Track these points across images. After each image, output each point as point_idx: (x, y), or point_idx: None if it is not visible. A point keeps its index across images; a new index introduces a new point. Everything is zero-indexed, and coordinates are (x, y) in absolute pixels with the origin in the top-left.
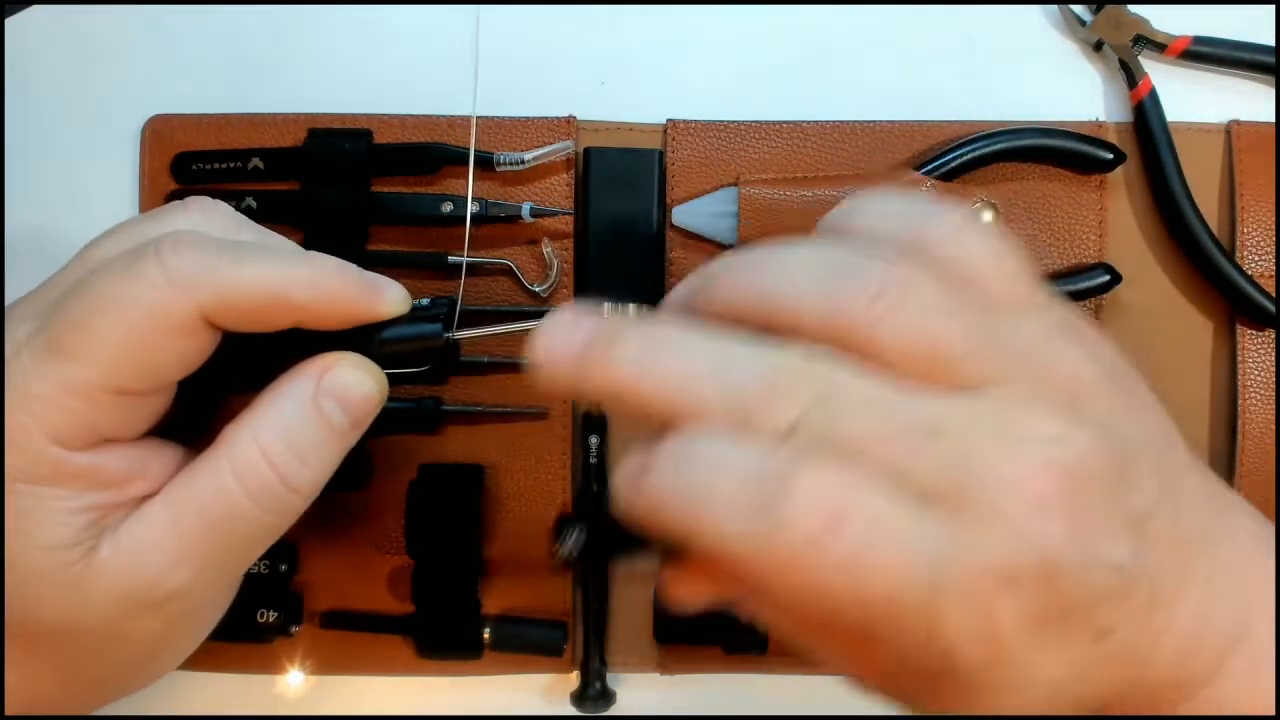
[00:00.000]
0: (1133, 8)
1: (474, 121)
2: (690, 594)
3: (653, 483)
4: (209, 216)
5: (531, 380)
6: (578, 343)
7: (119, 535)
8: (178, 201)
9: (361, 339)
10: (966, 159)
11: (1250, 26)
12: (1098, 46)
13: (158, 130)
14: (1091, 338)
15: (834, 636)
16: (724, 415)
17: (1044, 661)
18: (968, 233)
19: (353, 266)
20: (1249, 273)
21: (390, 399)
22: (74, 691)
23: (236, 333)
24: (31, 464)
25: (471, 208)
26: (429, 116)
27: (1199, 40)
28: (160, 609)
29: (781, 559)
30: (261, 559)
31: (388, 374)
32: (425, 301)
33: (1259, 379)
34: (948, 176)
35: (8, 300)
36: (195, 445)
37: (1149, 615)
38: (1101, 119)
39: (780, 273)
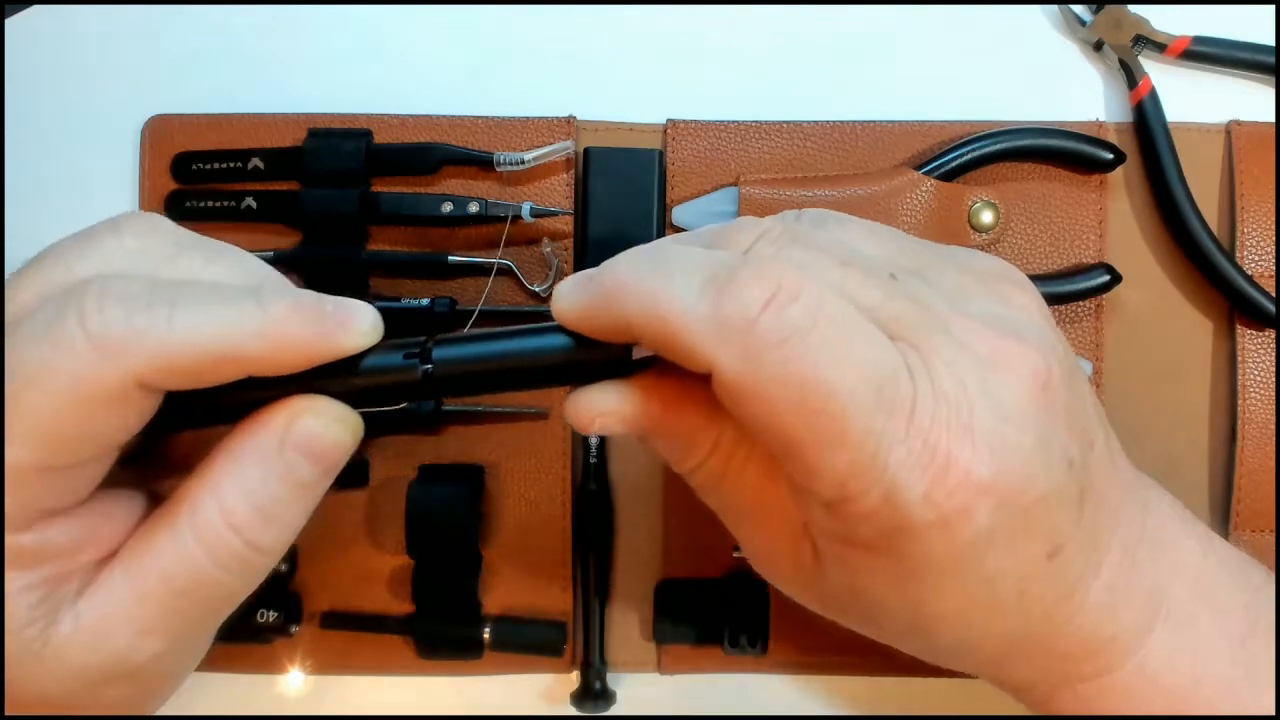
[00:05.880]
0: (1133, 8)
1: (479, 121)
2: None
3: (613, 268)
4: (144, 240)
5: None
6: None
7: (79, 610)
8: (109, 221)
9: (331, 373)
10: (966, 159)
11: (1250, 26)
12: (1098, 46)
13: (158, 130)
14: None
15: (778, 450)
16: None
17: (993, 551)
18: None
19: (311, 299)
20: (1249, 273)
21: None
22: None
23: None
24: None
25: (471, 208)
26: (429, 116)
27: (1199, 40)
28: (133, 677)
29: (727, 333)
30: None
31: (363, 412)
32: (425, 302)
33: (1259, 379)
34: (948, 176)
35: None
36: (149, 494)
37: (1090, 551)
38: (1101, 119)
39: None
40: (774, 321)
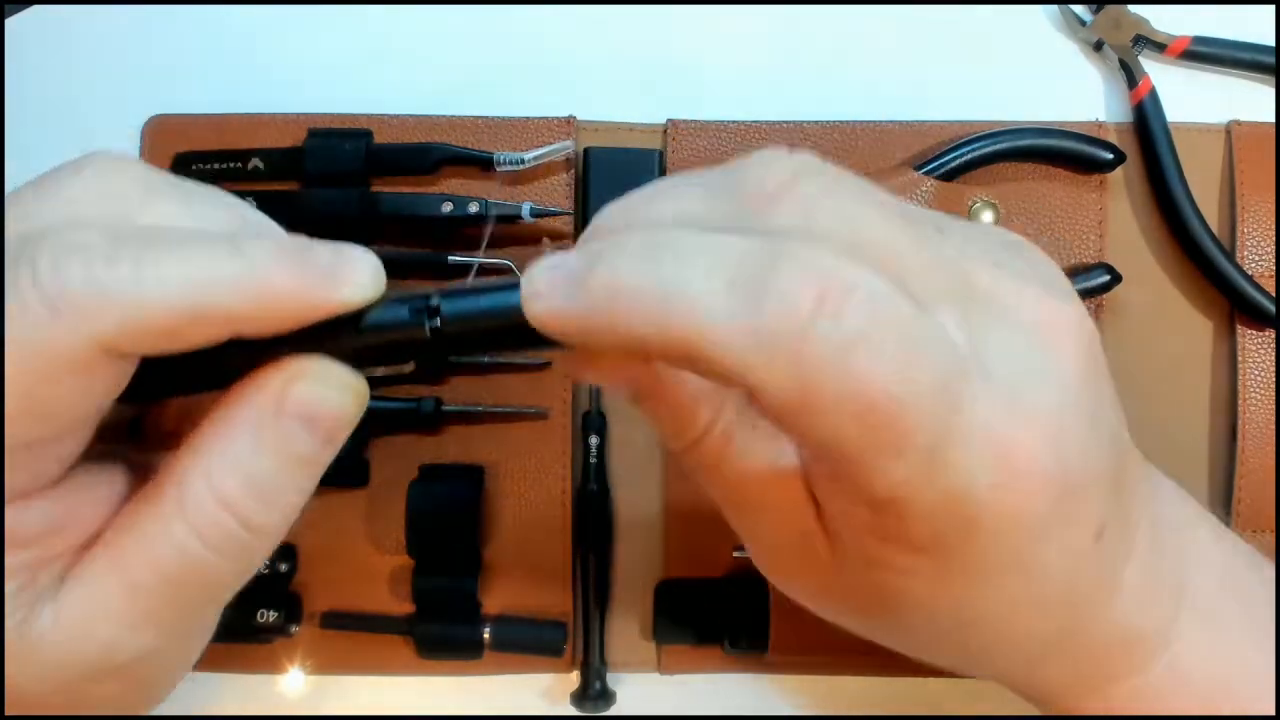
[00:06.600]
0: (1133, 8)
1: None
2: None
3: (607, 266)
4: (110, 182)
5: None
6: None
7: (61, 601)
8: (72, 162)
9: (330, 331)
10: (966, 159)
11: (1250, 26)
12: (1098, 46)
13: (158, 130)
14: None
15: (823, 458)
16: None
17: (1048, 541)
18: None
19: (300, 245)
20: (1249, 273)
21: (390, 399)
22: None
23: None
24: None
25: (471, 208)
26: (429, 116)
27: (1199, 40)
28: (121, 674)
29: (771, 344)
30: None
31: (367, 374)
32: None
33: (1259, 379)
34: (948, 176)
35: None
36: (135, 468)
37: (1126, 528)
38: (1101, 119)
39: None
40: (831, 330)
